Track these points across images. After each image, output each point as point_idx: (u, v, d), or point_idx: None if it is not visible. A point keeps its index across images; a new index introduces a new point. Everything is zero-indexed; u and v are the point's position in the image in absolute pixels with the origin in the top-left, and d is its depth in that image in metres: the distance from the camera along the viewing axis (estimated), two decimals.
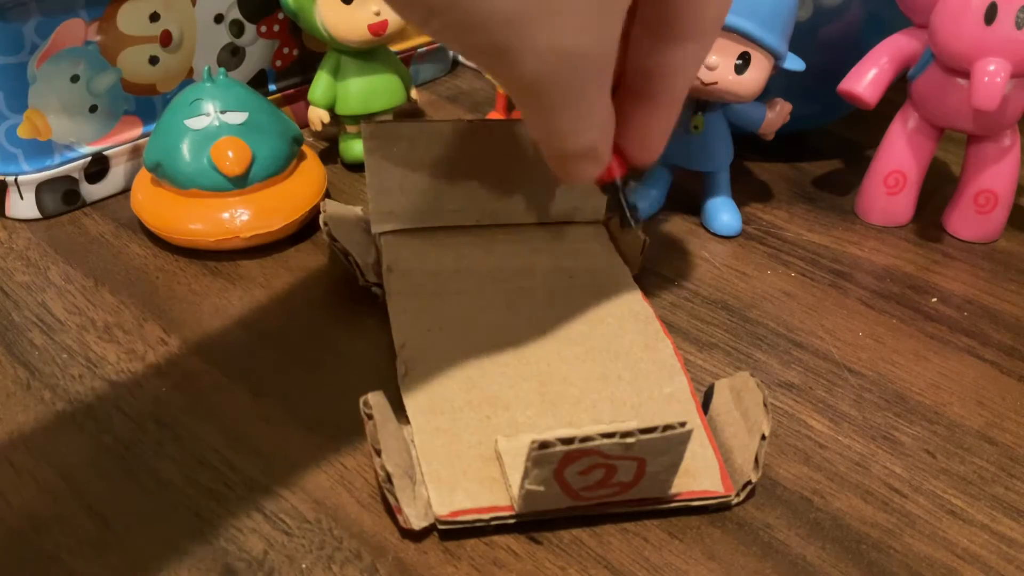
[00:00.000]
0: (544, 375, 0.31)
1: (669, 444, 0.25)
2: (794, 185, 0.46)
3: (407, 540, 0.26)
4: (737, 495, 0.27)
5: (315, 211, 0.39)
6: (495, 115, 0.48)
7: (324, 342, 0.34)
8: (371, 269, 0.36)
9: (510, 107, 0.47)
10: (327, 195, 0.40)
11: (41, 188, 0.40)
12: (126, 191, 0.43)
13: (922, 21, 0.38)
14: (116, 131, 0.42)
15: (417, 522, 0.26)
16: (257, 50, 0.46)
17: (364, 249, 0.36)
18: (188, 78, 0.44)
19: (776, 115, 0.39)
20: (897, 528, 0.27)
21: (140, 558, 0.26)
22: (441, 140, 0.36)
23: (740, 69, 0.36)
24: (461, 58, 0.57)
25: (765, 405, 0.28)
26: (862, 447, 0.30)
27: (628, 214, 0.32)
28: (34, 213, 0.41)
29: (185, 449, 0.29)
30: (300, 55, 0.48)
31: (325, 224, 0.35)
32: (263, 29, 0.46)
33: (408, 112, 0.49)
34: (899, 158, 0.41)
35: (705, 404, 0.30)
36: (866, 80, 0.40)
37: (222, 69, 0.39)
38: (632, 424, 0.27)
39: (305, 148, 0.41)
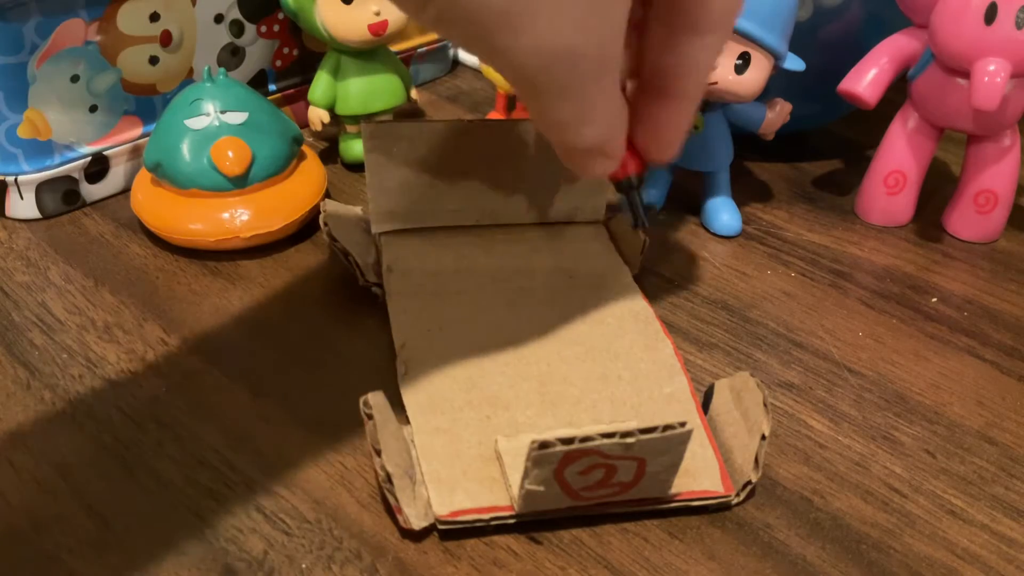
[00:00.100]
0: (544, 375, 0.31)
1: (669, 444, 0.25)
2: (794, 185, 0.46)
3: (407, 540, 0.26)
4: (737, 495, 0.27)
5: (315, 211, 0.39)
6: (495, 115, 0.48)
7: (324, 342, 0.34)
8: (371, 269, 0.36)
9: (510, 107, 0.47)
10: (327, 195, 0.40)
11: (41, 188, 0.40)
12: (126, 191, 0.43)
13: (922, 21, 0.38)
14: (116, 131, 0.42)
15: (417, 522, 0.26)
16: (257, 50, 0.46)
17: (364, 249, 0.36)
18: (188, 78, 0.44)
19: (776, 115, 0.39)
20: (897, 528, 0.27)
21: (140, 558, 0.26)
22: (441, 140, 0.36)
23: (740, 69, 0.36)
24: (461, 58, 0.57)
25: (765, 405, 0.28)
26: (862, 447, 0.30)
27: (641, 213, 0.32)
28: (34, 213, 0.41)
29: (185, 449, 0.29)
30: (300, 55, 0.48)
31: (325, 224, 0.35)
32: (263, 29, 0.46)
33: (408, 112, 0.49)
34: (899, 158, 0.41)
35: (705, 404, 0.30)
36: (866, 80, 0.40)
37: (222, 69, 0.39)
38: (632, 424, 0.27)
39: (305, 148, 0.41)
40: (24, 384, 0.32)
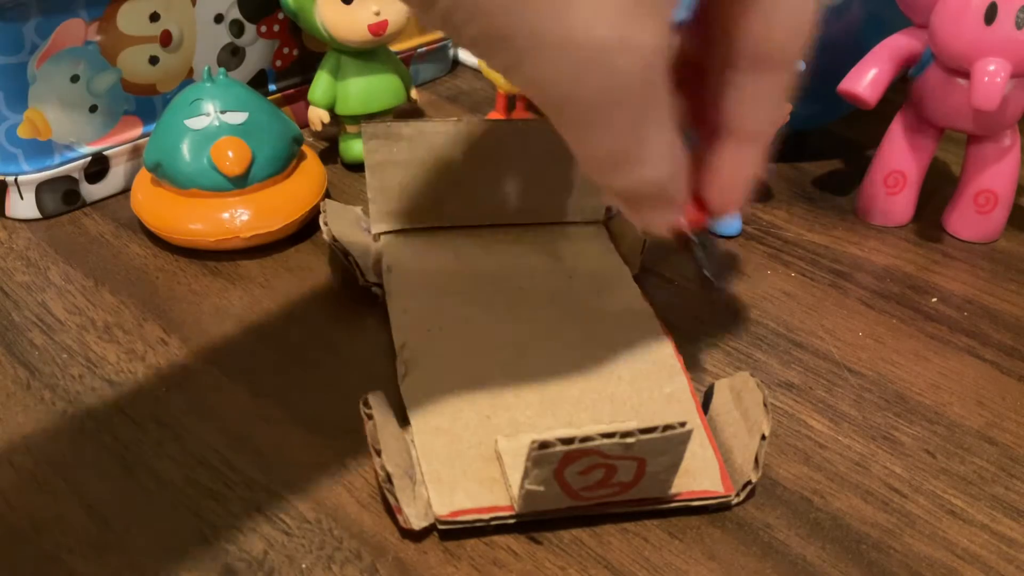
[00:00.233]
0: (544, 375, 0.31)
1: (669, 444, 0.25)
2: (794, 185, 0.46)
3: (407, 540, 0.26)
4: (737, 495, 0.27)
5: (315, 211, 0.39)
6: (495, 115, 0.48)
7: (324, 342, 0.34)
8: (371, 269, 0.36)
9: (510, 107, 0.47)
10: (327, 195, 0.40)
11: (41, 188, 0.40)
12: (126, 191, 0.43)
13: (922, 21, 0.38)
14: (116, 131, 0.42)
15: (417, 522, 0.26)
16: (257, 50, 0.46)
17: (364, 249, 0.36)
18: (188, 78, 0.44)
19: None
20: (897, 528, 0.27)
21: (140, 558, 0.26)
22: (441, 140, 0.36)
23: None
24: (461, 58, 0.57)
25: (765, 405, 0.28)
26: (862, 447, 0.30)
27: (708, 272, 0.28)
28: (34, 213, 0.41)
29: (185, 449, 0.29)
30: (300, 55, 0.48)
31: (325, 224, 0.35)
32: (263, 29, 0.46)
33: (408, 112, 0.49)
34: (899, 158, 0.41)
35: (705, 404, 0.30)
36: (866, 80, 0.39)
37: (222, 69, 0.39)
38: (632, 424, 0.27)
39: (305, 148, 0.41)
40: (24, 384, 0.32)
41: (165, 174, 0.38)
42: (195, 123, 0.37)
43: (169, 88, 0.43)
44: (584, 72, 0.20)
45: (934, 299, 0.38)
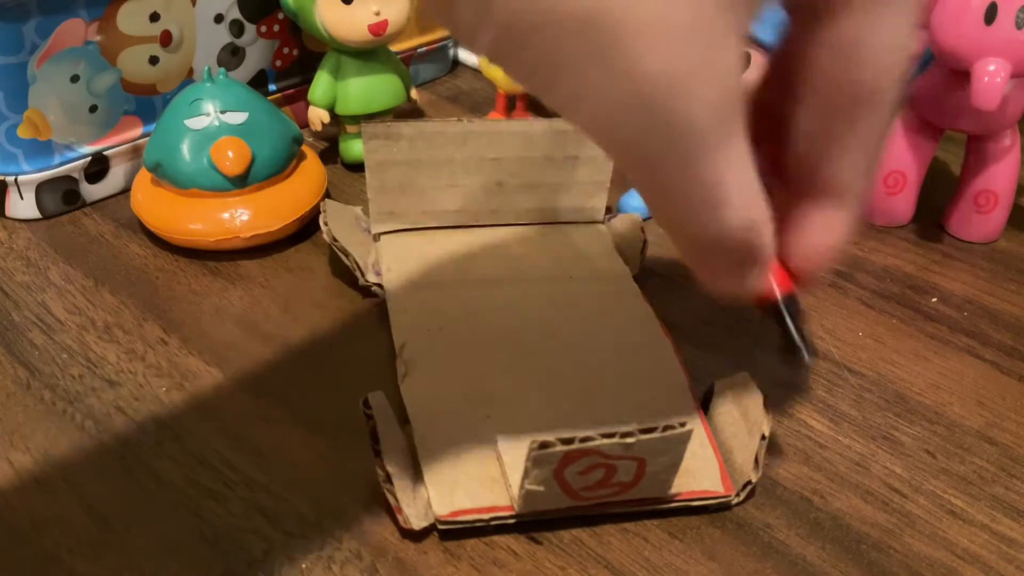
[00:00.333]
0: (544, 375, 0.31)
1: (669, 444, 0.25)
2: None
3: (407, 540, 0.26)
4: (737, 495, 0.27)
5: (315, 211, 0.39)
6: (495, 115, 0.48)
7: (324, 342, 0.34)
8: (371, 269, 0.36)
9: (510, 107, 0.47)
10: (327, 195, 0.40)
11: (41, 188, 0.40)
12: (126, 191, 0.42)
13: (922, 21, 0.38)
14: (116, 131, 0.42)
15: (417, 522, 0.26)
16: (257, 50, 0.46)
17: (364, 249, 0.36)
18: (188, 78, 0.44)
19: None
20: (897, 528, 0.27)
21: (140, 558, 0.26)
22: (441, 140, 0.36)
23: None
24: (461, 58, 0.57)
25: (765, 405, 0.28)
26: (862, 447, 0.30)
27: (798, 343, 0.25)
28: (34, 213, 0.41)
29: (185, 449, 0.29)
30: (300, 55, 0.48)
31: (325, 224, 0.35)
32: (263, 29, 0.46)
33: (408, 112, 0.49)
34: (899, 158, 0.41)
35: (705, 404, 0.30)
36: None
37: (222, 69, 0.39)
38: (632, 424, 0.27)
39: (305, 148, 0.41)
40: (24, 384, 0.32)
41: (165, 174, 0.38)
42: (195, 123, 0.37)
43: (169, 88, 0.43)
44: (654, 108, 0.17)
45: (934, 299, 0.38)
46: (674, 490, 0.27)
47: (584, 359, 0.32)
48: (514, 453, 0.27)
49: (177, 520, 0.27)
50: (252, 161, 0.37)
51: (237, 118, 0.38)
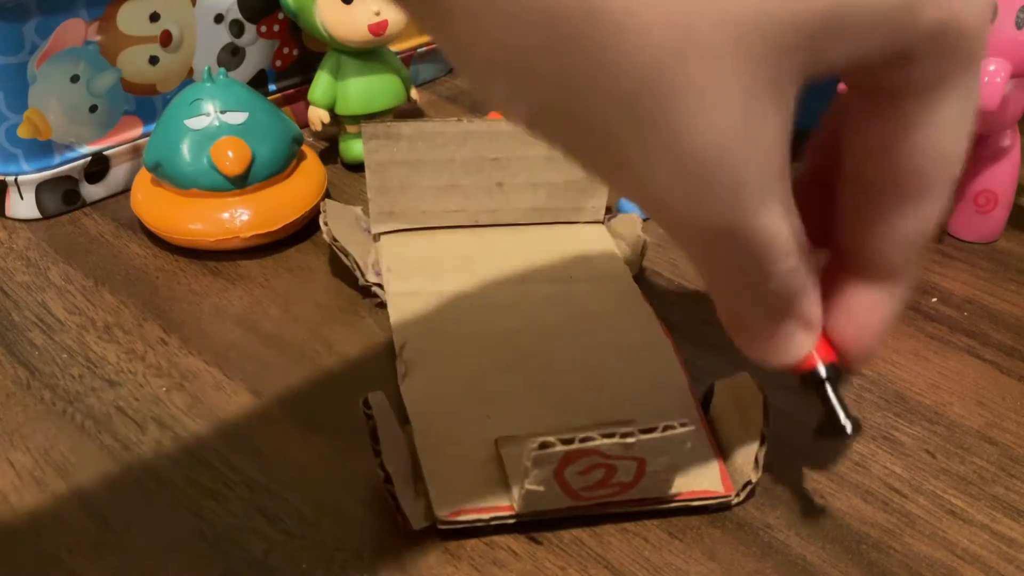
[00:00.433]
0: (544, 375, 0.31)
1: (669, 444, 0.25)
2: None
3: (407, 540, 0.26)
4: (737, 495, 0.27)
5: (315, 211, 0.39)
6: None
7: (324, 342, 0.34)
8: (371, 269, 0.36)
9: None
10: (327, 195, 0.40)
11: (41, 188, 0.40)
12: (126, 191, 0.43)
13: None
14: (116, 131, 0.42)
15: (417, 522, 0.26)
16: (257, 50, 0.46)
17: (364, 249, 0.36)
18: (188, 78, 0.44)
19: None
20: (897, 528, 0.27)
21: (140, 558, 0.26)
22: (441, 140, 0.36)
23: None
24: None
25: (765, 405, 0.28)
26: (862, 447, 0.30)
27: (842, 418, 0.24)
28: (34, 213, 0.41)
29: (185, 449, 0.29)
30: (300, 55, 0.48)
31: (325, 224, 0.35)
32: (263, 29, 0.46)
33: (408, 112, 0.49)
34: None
35: (705, 404, 0.30)
36: None
37: (222, 69, 0.39)
38: (632, 424, 0.27)
39: (305, 148, 0.41)
40: (24, 384, 0.32)
41: (165, 174, 0.38)
42: (195, 123, 0.37)
43: (169, 88, 0.43)
44: (700, 177, 0.17)
45: (934, 299, 0.38)
46: (674, 490, 0.27)
47: (584, 359, 0.32)
48: (514, 453, 0.27)
49: (177, 520, 0.27)
50: (252, 161, 0.37)
51: (237, 118, 0.38)
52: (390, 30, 0.41)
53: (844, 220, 0.22)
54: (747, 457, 0.28)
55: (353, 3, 0.40)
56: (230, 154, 0.37)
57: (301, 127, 0.42)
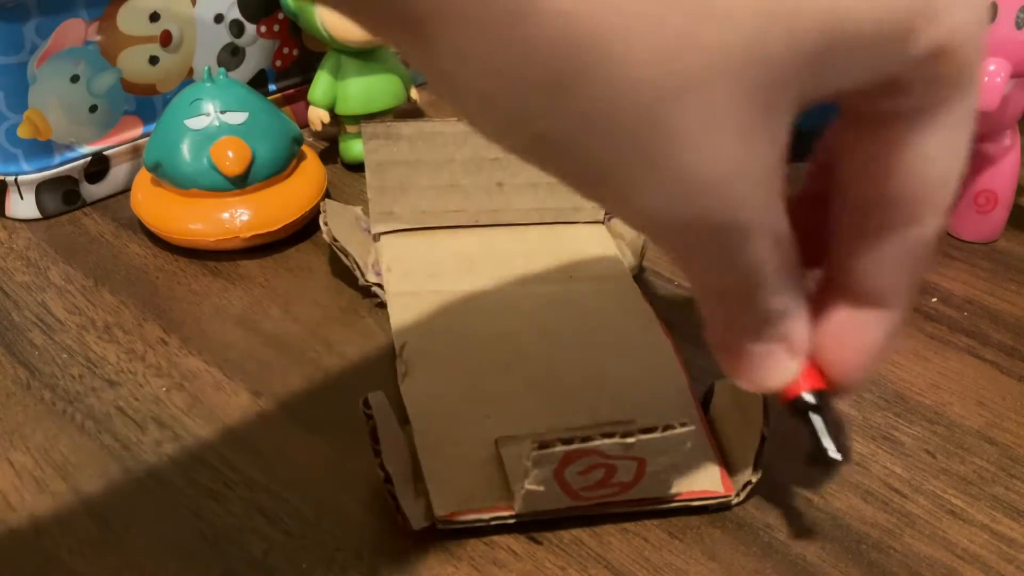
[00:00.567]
0: (544, 375, 0.31)
1: (669, 444, 0.25)
2: (794, 185, 0.46)
3: (407, 540, 0.26)
4: (737, 495, 0.27)
5: (315, 211, 0.39)
6: None
7: (324, 342, 0.34)
8: (371, 269, 0.36)
9: None
10: (327, 195, 0.40)
11: (41, 188, 0.40)
12: (126, 191, 0.43)
13: None
14: (116, 131, 0.42)
15: (417, 522, 0.26)
16: (257, 50, 0.46)
17: (364, 249, 0.36)
18: (188, 78, 0.44)
19: None
20: (897, 528, 0.27)
21: (140, 558, 0.26)
22: (441, 140, 0.36)
23: None
24: None
25: (765, 405, 0.28)
26: (862, 447, 0.30)
27: (828, 445, 0.24)
28: (34, 213, 0.41)
29: (185, 449, 0.29)
30: (300, 55, 0.48)
31: (325, 224, 0.35)
32: (263, 29, 0.46)
33: (408, 112, 0.49)
34: None
35: (705, 404, 0.30)
36: None
37: (222, 69, 0.39)
38: (632, 424, 0.27)
39: (305, 148, 0.41)
40: (24, 384, 0.32)
41: (165, 174, 0.38)
42: (195, 123, 0.37)
43: (169, 88, 0.43)
44: (699, 204, 0.17)
45: (934, 299, 0.38)
46: (674, 490, 0.27)
47: (584, 359, 0.32)
48: (514, 453, 0.27)
49: (177, 520, 0.27)
50: (252, 161, 0.37)
51: (237, 118, 0.38)
52: None
53: (836, 243, 0.22)
54: (747, 457, 0.28)
55: None
56: (230, 154, 0.37)
57: (301, 127, 0.42)
